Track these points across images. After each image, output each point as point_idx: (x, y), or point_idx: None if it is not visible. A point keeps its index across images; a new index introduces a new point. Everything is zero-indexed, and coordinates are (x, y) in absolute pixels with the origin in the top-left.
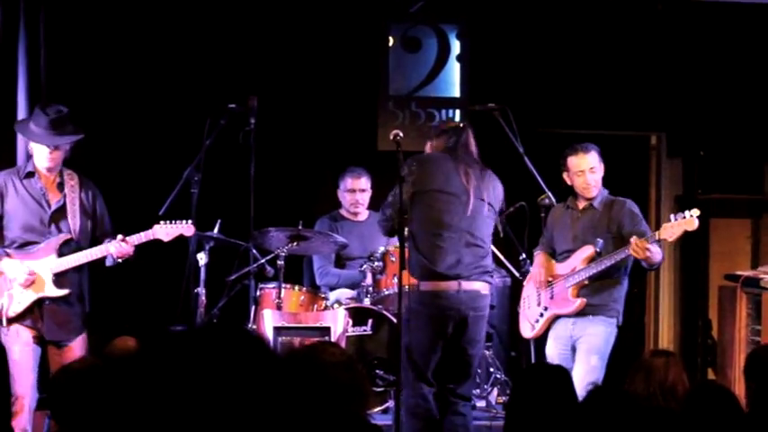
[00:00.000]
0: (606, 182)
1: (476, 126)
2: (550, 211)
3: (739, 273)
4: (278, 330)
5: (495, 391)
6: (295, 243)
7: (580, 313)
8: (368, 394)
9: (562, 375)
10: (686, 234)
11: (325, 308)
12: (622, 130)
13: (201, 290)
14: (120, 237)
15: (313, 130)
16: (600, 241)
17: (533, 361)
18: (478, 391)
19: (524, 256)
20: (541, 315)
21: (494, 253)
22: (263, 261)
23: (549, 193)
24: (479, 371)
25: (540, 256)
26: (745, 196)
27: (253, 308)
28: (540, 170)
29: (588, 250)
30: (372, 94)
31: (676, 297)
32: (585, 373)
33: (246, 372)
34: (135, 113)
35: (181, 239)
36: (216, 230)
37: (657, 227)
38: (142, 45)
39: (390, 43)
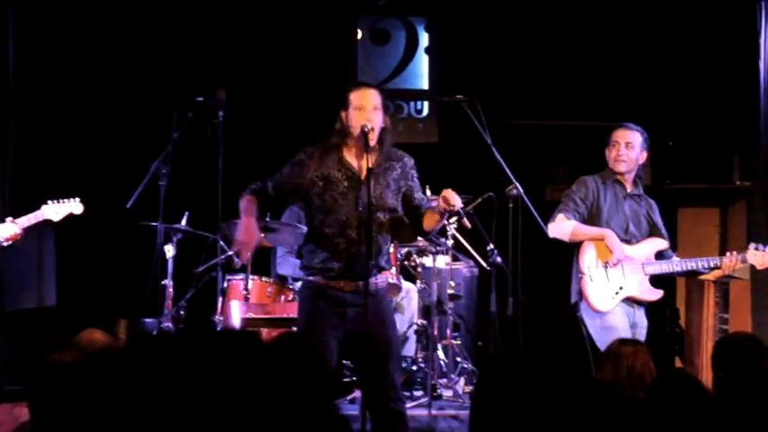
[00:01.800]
0: (576, 172)
1: (444, 118)
2: (586, 182)
3: None
4: (245, 321)
5: (462, 381)
6: (262, 234)
7: (640, 302)
8: (335, 384)
9: (528, 363)
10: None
11: (293, 299)
12: (590, 120)
13: (169, 282)
14: (9, 219)
15: (281, 122)
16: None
17: (500, 350)
18: (445, 380)
19: (492, 246)
20: (617, 293)
21: (461, 243)
22: (230, 253)
23: (517, 184)
24: (446, 361)
25: (589, 227)
26: (714, 185)
27: (220, 299)
28: (508, 161)
29: (663, 244)
30: (341, 87)
31: None
32: None
33: (238, 369)
34: (103, 107)
35: (149, 232)
36: (184, 223)
37: None
38: (110, 39)
39: (359, 36)
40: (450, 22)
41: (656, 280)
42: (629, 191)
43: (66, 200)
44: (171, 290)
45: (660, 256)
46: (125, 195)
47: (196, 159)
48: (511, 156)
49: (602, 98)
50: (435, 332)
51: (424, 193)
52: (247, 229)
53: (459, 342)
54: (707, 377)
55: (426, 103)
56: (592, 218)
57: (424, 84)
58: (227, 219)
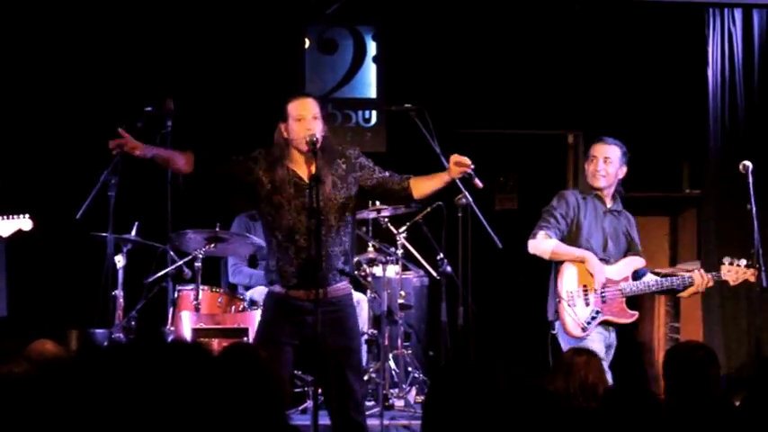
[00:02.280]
0: (525, 181)
1: (392, 127)
2: (566, 197)
3: (658, 270)
4: (196, 332)
5: (414, 391)
6: (212, 245)
7: (615, 324)
8: (286, 395)
9: (480, 373)
10: None
11: (243, 309)
12: (540, 129)
13: (120, 292)
14: None
15: (230, 131)
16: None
17: (451, 359)
18: (397, 390)
19: (441, 255)
20: (593, 318)
21: (411, 252)
22: (180, 263)
23: (467, 193)
24: (398, 371)
25: (570, 248)
26: (663, 194)
27: (171, 310)
28: None
29: (640, 262)
30: (289, 96)
31: None
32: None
33: (186, 380)
34: (52, 117)
35: (99, 243)
36: (133, 233)
37: None
38: (60, 48)
39: (306, 45)
40: (398, 31)
41: (630, 300)
42: (608, 206)
43: (15, 216)
44: (121, 300)
45: (635, 274)
46: (75, 206)
47: (145, 169)
48: None
49: (552, 107)
50: (386, 342)
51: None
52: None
53: (410, 352)
54: (659, 386)
55: (374, 112)
56: (572, 234)
57: (372, 92)
58: (177, 229)
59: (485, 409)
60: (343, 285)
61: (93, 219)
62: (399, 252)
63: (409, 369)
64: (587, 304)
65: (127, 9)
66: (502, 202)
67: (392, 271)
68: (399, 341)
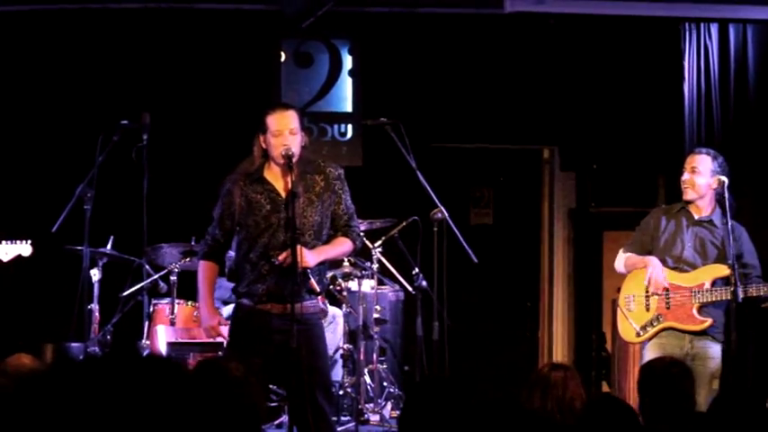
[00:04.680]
0: (500, 196)
1: (368, 141)
2: (652, 212)
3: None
4: (171, 346)
5: (389, 406)
6: (188, 258)
7: (700, 332)
8: (263, 409)
9: (455, 388)
10: (579, 247)
11: (219, 323)
12: (515, 144)
13: (95, 306)
14: None
15: (206, 145)
16: (734, 265)
17: (426, 374)
18: (372, 405)
19: (417, 270)
20: (652, 324)
21: (386, 267)
22: (156, 277)
23: (442, 208)
24: (373, 385)
25: (639, 257)
26: (639, 209)
27: (146, 324)
28: (433, 184)
29: (723, 270)
30: (265, 110)
31: (570, 310)
32: (708, 397)
33: (159, 394)
34: (27, 130)
35: (75, 256)
36: (109, 247)
37: (551, 240)
38: (35, 62)
39: (282, 59)
40: (373, 45)
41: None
42: (697, 218)
43: (18, 241)
44: (97, 314)
45: (719, 282)
46: (50, 219)
47: (121, 183)
48: (435, 179)
49: (527, 121)
50: (362, 357)
51: None
52: (210, 317)
53: (385, 367)
54: (634, 401)
55: (350, 126)
56: (652, 249)
57: (348, 106)
58: (153, 243)
59: (460, 424)
60: (312, 304)
61: (68, 232)
62: (375, 266)
63: (384, 384)
64: (647, 309)
65: (104, 23)
66: (477, 217)
67: (367, 285)
68: (375, 356)
